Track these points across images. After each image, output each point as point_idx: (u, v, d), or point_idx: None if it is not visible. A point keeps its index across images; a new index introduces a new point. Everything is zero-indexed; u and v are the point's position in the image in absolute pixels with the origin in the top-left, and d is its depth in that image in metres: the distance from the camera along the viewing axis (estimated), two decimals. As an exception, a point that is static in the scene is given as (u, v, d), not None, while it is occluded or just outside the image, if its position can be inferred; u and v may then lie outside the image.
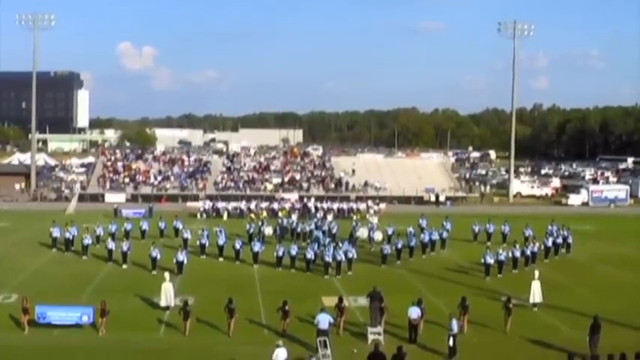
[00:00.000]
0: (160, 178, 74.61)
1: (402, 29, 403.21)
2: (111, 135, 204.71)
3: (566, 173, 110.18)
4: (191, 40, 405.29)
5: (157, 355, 23.75)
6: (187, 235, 42.53)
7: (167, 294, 28.20)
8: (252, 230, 44.37)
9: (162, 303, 28.16)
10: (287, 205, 60.05)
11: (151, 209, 57.44)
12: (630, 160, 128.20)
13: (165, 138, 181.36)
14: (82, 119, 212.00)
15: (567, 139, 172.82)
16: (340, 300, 25.87)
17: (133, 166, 77.16)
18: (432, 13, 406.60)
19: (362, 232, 45.03)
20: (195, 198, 67.93)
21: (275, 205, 59.35)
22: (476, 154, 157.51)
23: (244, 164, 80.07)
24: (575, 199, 74.36)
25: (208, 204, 60.69)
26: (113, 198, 67.29)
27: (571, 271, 37.87)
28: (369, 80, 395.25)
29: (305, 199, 63.83)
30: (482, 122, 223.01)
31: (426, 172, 79.64)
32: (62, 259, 39.47)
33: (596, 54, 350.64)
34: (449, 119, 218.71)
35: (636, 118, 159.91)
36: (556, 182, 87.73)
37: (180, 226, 45.68)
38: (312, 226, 45.69)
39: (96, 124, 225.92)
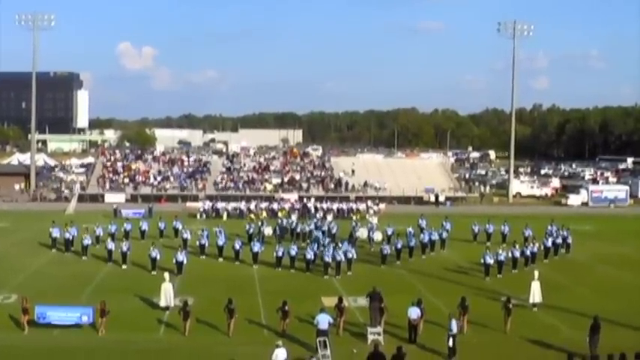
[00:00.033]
0: (159, 178, 74.62)
1: (402, 29, 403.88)
2: (110, 135, 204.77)
3: (566, 173, 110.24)
4: (191, 40, 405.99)
5: (156, 355, 23.75)
6: (187, 235, 42.54)
7: (167, 294, 28.20)
8: (251, 230, 44.37)
9: (162, 303, 28.16)
10: (287, 206, 60.06)
11: (150, 209, 57.44)
12: (630, 160, 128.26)
13: (165, 138, 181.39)
14: (82, 119, 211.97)
15: (567, 139, 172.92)
16: (340, 300, 25.87)
17: (133, 167, 77.17)
18: (432, 13, 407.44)
19: (362, 233, 45.04)
20: (195, 198, 67.96)
21: (275, 206, 59.37)
22: (475, 155, 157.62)
23: (244, 164, 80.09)
24: (574, 200, 74.39)
25: (208, 204, 60.68)
26: (113, 198, 67.28)
27: (571, 271, 37.87)
28: (368, 80, 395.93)
29: (305, 200, 63.84)
30: (482, 122, 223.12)
31: (425, 172, 79.67)
32: (62, 259, 39.47)
33: (596, 54, 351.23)
34: (449, 119, 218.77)
35: (636, 118, 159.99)
36: (556, 182, 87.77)
37: (179, 226, 45.69)
38: (312, 227, 45.69)
39: (95, 124, 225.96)
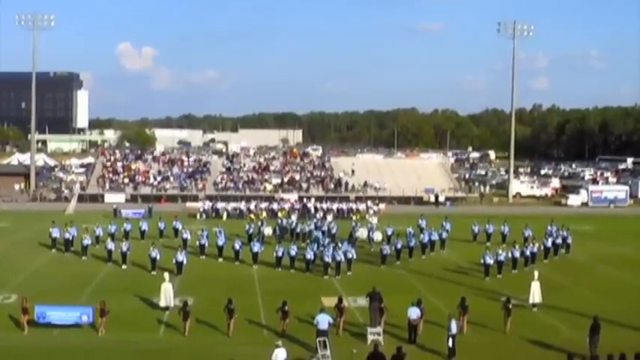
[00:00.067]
0: (159, 178, 74.63)
1: (402, 29, 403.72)
2: (110, 135, 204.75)
3: (566, 173, 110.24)
4: (191, 40, 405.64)
5: (156, 355, 23.75)
6: (187, 235, 42.54)
7: (167, 294, 28.20)
8: (251, 230, 44.38)
9: (162, 303, 28.16)
10: (286, 206, 60.09)
11: (150, 209, 57.44)
12: (630, 160, 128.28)
13: (165, 138, 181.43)
14: (82, 119, 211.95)
15: (567, 139, 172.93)
16: (340, 300, 25.87)
17: (133, 167, 77.18)
18: (432, 14, 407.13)
19: (361, 233, 45.05)
20: (195, 198, 67.98)
21: (274, 206, 59.38)
22: (475, 155, 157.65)
23: (244, 165, 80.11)
24: (574, 200, 74.40)
25: (208, 204, 60.68)
26: (113, 198, 67.29)
27: (570, 271, 37.88)
28: (368, 80, 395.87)
29: (304, 200, 63.85)
30: (482, 122, 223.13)
31: (425, 172, 79.68)
32: (62, 259, 39.47)
33: (596, 54, 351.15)
34: (448, 119, 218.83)
35: (636, 119, 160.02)
36: (555, 182, 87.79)
37: (179, 226, 45.70)
38: (312, 227, 45.70)
39: (95, 124, 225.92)
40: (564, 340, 24.65)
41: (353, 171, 77.49)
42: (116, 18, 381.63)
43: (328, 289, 31.93)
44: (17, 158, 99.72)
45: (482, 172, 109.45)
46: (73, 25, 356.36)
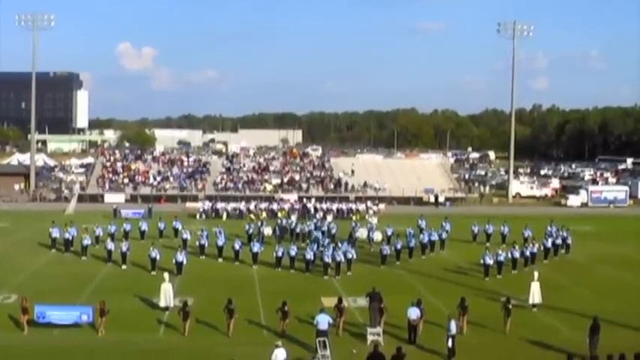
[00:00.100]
0: (159, 178, 74.64)
1: (402, 29, 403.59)
2: (110, 135, 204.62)
3: (566, 174, 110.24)
4: (191, 40, 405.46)
5: (156, 355, 23.76)
6: (187, 235, 42.54)
7: (166, 294, 28.20)
8: (251, 231, 44.37)
9: (162, 303, 28.16)
10: (286, 206, 60.12)
11: (150, 210, 57.43)
12: (629, 160, 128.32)
13: (165, 138, 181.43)
14: (82, 120, 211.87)
15: (567, 139, 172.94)
16: (340, 300, 25.87)
17: (133, 167, 77.19)
18: (432, 14, 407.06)
19: (361, 233, 45.07)
20: (195, 198, 68.00)
21: (274, 206, 59.41)
22: (475, 155, 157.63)
23: (243, 165, 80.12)
24: (574, 200, 74.40)
25: (208, 204, 60.70)
26: (112, 198, 67.29)
27: (570, 271, 37.89)
28: (368, 81, 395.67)
29: (304, 200, 63.87)
30: (482, 123, 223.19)
31: (425, 172, 79.70)
32: (61, 259, 39.47)
33: (596, 54, 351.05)
34: (448, 120, 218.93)
35: (635, 119, 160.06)
36: (555, 183, 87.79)
37: (179, 226, 45.71)
38: (312, 227, 45.71)
39: (95, 124, 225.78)
40: (564, 341, 24.66)
41: (353, 171, 77.50)
42: (116, 18, 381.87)
43: (328, 290, 31.93)
44: (17, 158, 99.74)
45: (482, 173, 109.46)
46: (73, 25, 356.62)
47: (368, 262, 38.84)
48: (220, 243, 39.69)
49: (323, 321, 23.21)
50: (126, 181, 73.65)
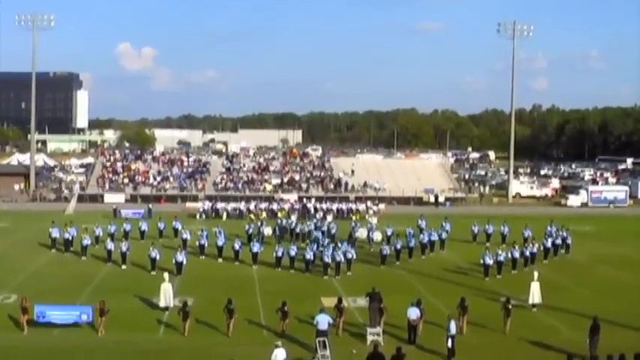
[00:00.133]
0: (159, 178, 74.65)
1: (402, 29, 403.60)
2: (110, 135, 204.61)
3: (566, 174, 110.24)
4: (191, 40, 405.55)
5: (156, 355, 23.75)
6: (186, 235, 42.54)
7: (166, 294, 28.20)
8: (251, 231, 44.36)
9: (162, 303, 28.16)
10: (286, 206, 60.13)
11: (150, 210, 57.42)
12: (629, 160, 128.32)
13: (165, 138, 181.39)
14: (82, 120, 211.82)
15: (566, 139, 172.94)
16: (339, 301, 25.87)
17: (132, 167, 77.20)
18: (432, 14, 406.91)
19: (361, 233, 45.07)
20: (195, 198, 68.01)
21: (274, 206, 59.41)
22: (475, 155, 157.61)
23: (243, 165, 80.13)
24: (574, 200, 74.40)
25: (207, 204, 60.70)
26: (112, 198, 67.31)
27: (570, 271, 37.88)
28: (368, 81, 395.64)
29: (304, 200, 63.87)
30: (482, 123, 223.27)
31: (425, 172, 79.70)
32: (61, 259, 39.47)
33: (596, 54, 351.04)
34: (448, 120, 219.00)
35: (635, 119, 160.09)
36: (555, 183, 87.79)
37: (179, 226, 45.71)
38: (312, 227, 45.71)
39: (95, 124, 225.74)
40: (564, 341, 24.66)
41: (353, 171, 77.51)
42: (116, 18, 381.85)
43: (328, 290, 31.93)
44: (17, 158, 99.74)
45: (482, 173, 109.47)
46: (73, 25, 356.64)
47: (368, 262, 38.83)
48: (220, 243, 39.69)
49: (323, 321, 23.21)
50: (126, 181, 73.66)
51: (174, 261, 34.84)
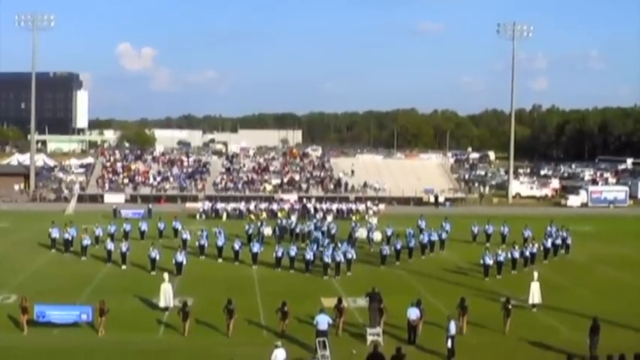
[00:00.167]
0: (159, 178, 74.65)
1: (401, 30, 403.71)
2: (110, 136, 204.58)
3: (566, 174, 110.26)
4: (190, 40, 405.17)
5: (156, 355, 23.75)
6: (186, 235, 42.54)
7: (166, 295, 28.20)
8: (251, 231, 44.36)
9: (162, 304, 28.16)
10: (286, 206, 60.13)
11: (150, 210, 57.43)
12: (629, 161, 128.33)
13: (165, 139, 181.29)
14: (81, 120, 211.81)
15: (566, 139, 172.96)
16: (339, 301, 25.87)
17: (132, 167, 77.21)
18: (431, 14, 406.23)
19: (361, 233, 45.07)
20: (195, 199, 68.02)
21: (274, 206, 59.41)
22: (475, 155, 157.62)
23: (243, 165, 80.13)
24: (574, 200, 74.43)
25: (207, 205, 60.72)
26: (112, 199, 67.31)
27: (570, 272, 37.87)
28: (368, 81, 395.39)
29: (304, 200, 63.87)
30: (482, 123, 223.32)
31: (425, 172, 79.71)
32: (61, 259, 39.47)
33: (596, 55, 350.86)
34: (448, 120, 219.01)
35: (635, 119, 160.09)
36: (555, 183, 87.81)
37: (179, 226, 45.71)
38: (311, 227, 45.71)
39: (95, 124, 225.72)
40: (564, 341, 24.66)
41: (352, 171, 77.51)
42: (116, 18, 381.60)
43: (328, 290, 31.93)
44: (17, 158, 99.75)
45: (482, 173, 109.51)
46: (73, 25, 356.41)
47: (368, 262, 38.83)
48: (220, 243, 39.68)
49: (323, 321, 23.21)
50: (126, 181, 73.67)
51: (174, 261, 34.83)
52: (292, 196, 68.17)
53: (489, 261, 35.23)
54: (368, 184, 73.73)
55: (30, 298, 25.85)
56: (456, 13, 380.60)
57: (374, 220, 51.12)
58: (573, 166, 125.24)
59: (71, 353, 23.51)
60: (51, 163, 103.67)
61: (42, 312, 25.67)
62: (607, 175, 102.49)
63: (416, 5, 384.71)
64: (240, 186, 73.24)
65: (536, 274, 29.82)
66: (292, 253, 36.84)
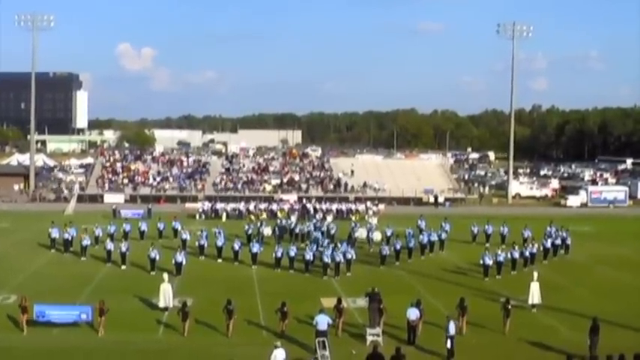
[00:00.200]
0: (158, 178, 74.66)
1: (401, 30, 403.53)
2: (110, 136, 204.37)
3: (565, 174, 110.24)
4: (190, 40, 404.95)
5: (155, 355, 23.76)
6: (186, 236, 42.54)
7: (166, 295, 28.21)
8: (250, 231, 44.36)
9: (161, 304, 28.16)
10: (286, 206, 60.12)
11: (149, 210, 57.44)
12: (629, 161, 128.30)
13: (164, 139, 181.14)
14: (81, 120, 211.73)
15: (566, 140, 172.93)
16: (339, 301, 25.88)
17: (132, 167, 77.22)
18: (432, 14, 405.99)
19: (361, 233, 45.07)
20: (194, 199, 68.03)
21: (274, 206, 59.41)
22: (475, 155, 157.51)
23: (243, 165, 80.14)
24: (574, 200, 74.43)
25: (207, 205, 60.73)
26: (112, 199, 67.32)
27: (570, 272, 37.88)
28: (368, 81, 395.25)
29: (304, 200, 63.87)
30: (482, 123, 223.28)
31: (424, 173, 79.73)
32: (61, 259, 39.47)
33: (595, 55, 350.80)
34: (448, 120, 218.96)
35: (635, 119, 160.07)
36: (555, 183, 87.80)
37: (179, 227, 45.72)
38: (311, 227, 45.71)
39: (95, 124, 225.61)
40: (564, 341, 24.66)
41: (352, 172, 77.52)
42: (116, 18, 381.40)
43: (327, 290, 31.93)
44: (17, 159, 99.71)
45: (482, 173, 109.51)
46: (73, 25, 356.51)
47: (367, 262, 38.83)
48: (220, 243, 39.68)
49: (322, 321, 23.22)
50: (125, 181, 73.67)
51: (173, 261, 34.83)
52: (292, 197, 68.17)
53: (489, 261, 35.24)
54: (368, 185, 73.74)
55: (30, 298, 25.86)
56: (456, 13, 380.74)
57: (374, 221, 51.12)
58: (573, 166, 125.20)
59: (71, 353, 23.52)
60: (51, 163, 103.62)
61: (42, 312, 25.68)
62: (607, 175, 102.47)
63: (416, 5, 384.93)
64: (239, 186, 73.25)
65: (535, 275, 29.83)
66: (292, 254, 36.83)
